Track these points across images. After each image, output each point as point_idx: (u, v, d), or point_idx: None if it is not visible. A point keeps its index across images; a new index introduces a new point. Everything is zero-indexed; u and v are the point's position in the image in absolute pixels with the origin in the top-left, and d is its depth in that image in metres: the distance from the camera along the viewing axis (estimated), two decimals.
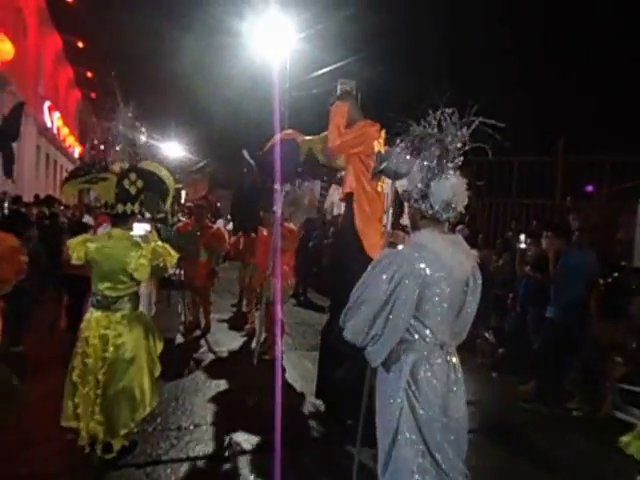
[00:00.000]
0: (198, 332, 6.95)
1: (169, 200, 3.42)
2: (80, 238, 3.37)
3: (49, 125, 21.44)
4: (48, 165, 23.61)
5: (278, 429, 3.66)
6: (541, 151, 10.11)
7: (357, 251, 3.91)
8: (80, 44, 22.63)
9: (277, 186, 5.28)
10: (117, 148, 3.22)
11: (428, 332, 2.21)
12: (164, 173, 3.45)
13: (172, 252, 3.37)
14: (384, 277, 2.16)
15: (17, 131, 3.45)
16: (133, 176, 3.28)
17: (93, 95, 29.70)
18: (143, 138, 3.33)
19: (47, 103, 21.23)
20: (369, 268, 2.27)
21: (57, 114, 22.89)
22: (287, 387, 5.17)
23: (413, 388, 2.20)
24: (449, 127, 2.19)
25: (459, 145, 2.21)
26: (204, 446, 3.77)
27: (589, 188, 9.13)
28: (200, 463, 3.54)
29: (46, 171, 23.08)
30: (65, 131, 24.74)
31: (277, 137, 5.06)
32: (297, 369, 5.78)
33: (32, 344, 5.67)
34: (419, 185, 2.24)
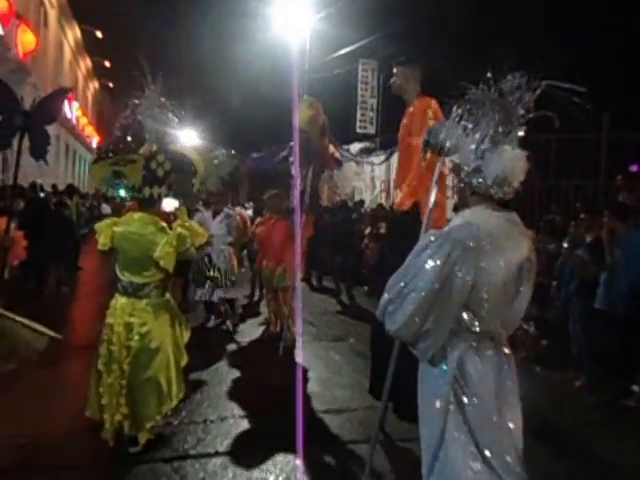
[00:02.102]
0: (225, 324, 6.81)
1: (197, 185, 3.26)
2: (108, 221, 3.24)
3: (68, 115, 21.52)
4: (68, 155, 23.77)
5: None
6: (582, 128, 9.47)
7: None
8: (99, 34, 22.63)
9: (295, 172, 5.10)
10: (145, 132, 3.05)
11: (477, 321, 1.98)
12: (195, 157, 3.29)
13: (200, 230, 3.21)
14: (434, 263, 1.89)
15: (55, 115, 3.29)
16: (161, 158, 3.12)
17: (111, 85, 29.81)
18: (172, 116, 3.15)
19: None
20: (412, 253, 2.02)
21: (76, 104, 22.99)
22: (313, 380, 5.01)
23: (461, 382, 1.98)
24: (512, 91, 1.92)
25: (522, 112, 1.94)
26: (232, 440, 3.62)
27: (634, 168, 8.52)
28: (228, 458, 3.39)
29: (65, 161, 23.24)
30: (84, 121, 24.85)
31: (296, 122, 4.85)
32: (323, 360, 5.61)
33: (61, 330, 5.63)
34: (471, 157, 1.98)
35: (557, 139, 9.33)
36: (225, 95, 21.85)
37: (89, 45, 24.98)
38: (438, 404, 2.02)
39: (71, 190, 11.95)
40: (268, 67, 15.84)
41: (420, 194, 3.47)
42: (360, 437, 3.79)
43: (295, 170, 5.00)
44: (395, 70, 3.79)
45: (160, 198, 3.18)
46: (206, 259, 6.25)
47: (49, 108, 3.26)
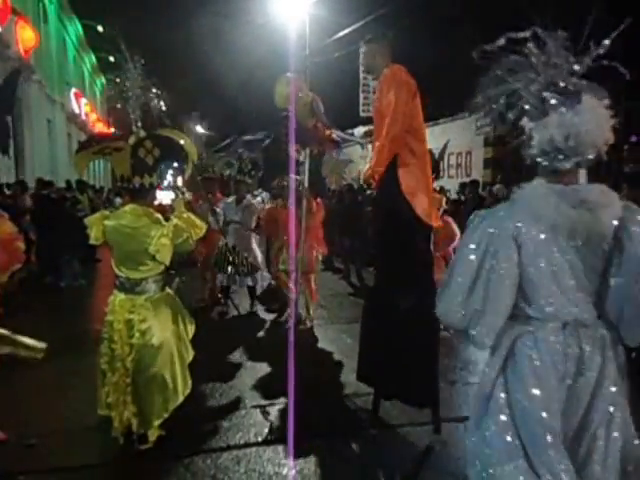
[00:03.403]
0: (234, 311, 6.64)
1: (189, 170, 3.02)
2: (98, 215, 3.02)
3: (77, 111, 21.33)
4: None
5: (291, 418, 3.29)
6: None
7: (408, 220, 3.26)
8: (100, 28, 22.28)
9: (292, 152, 4.86)
10: (131, 112, 2.80)
11: (535, 305, 1.71)
12: (185, 141, 3.04)
13: (198, 222, 2.99)
14: (471, 245, 1.74)
15: (12, 103, 3.04)
16: (149, 144, 2.88)
17: (118, 80, 29.50)
18: (156, 101, 2.90)
19: (73, 90, 21.07)
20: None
21: (84, 100, 22.77)
22: (327, 365, 4.83)
23: (509, 370, 1.76)
24: (556, 53, 1.64)
25: (576, 67, 1.63)
26: (244, 433, 3.45)
27: (633, 138, 8.24)
28: (241, 452, 3.22)
29: None
30: (93, 117, 24.61)
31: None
32: (335, 344, 5.42)
33: (69, 328, 5.51)
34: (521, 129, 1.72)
35: None
36: (222, 80, 21.44)
37: (92, 40, 24.64)
38: (486, 383, 1.81)
39: (82, 185, 11.80)
40: (266, 52, 15.46)
41: (396, 159, 3.26)
42: (375, 423, 3.61)
43: (290, 154, 4.75)
44: (363, 50, 3.61)
45: (152, 188, 2.95)
46: (229, 244, 6.16)
47: (5, 97, 3.02)
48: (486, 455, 1.75)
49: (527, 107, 1.67)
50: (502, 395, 1.76)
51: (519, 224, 1.68)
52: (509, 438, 1.71)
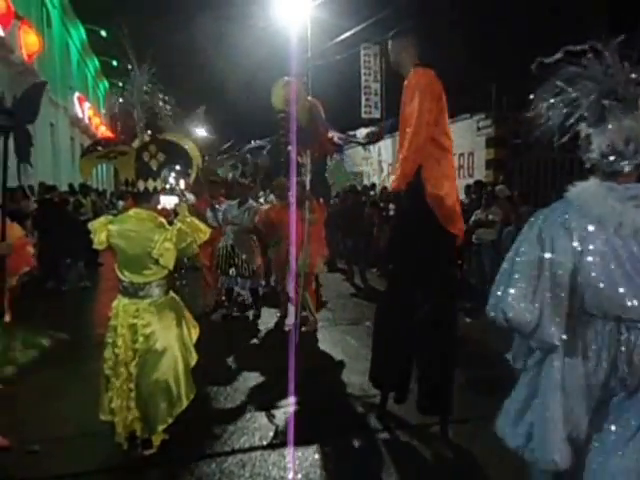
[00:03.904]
0: (236, 313, 6.60)
1: (193, 175, 2.99)
2: (102, 219, 2.99)
3: (80, 116, 21.34)
4: None
5: (290, 420, 3.24)
6: None
7: (432, 227, 3.17)
8: (103, 33, 22.29)
9: (293, 153, 4.85)
10: (134, 117, 2.77)
11: (589, 301, 1.74)
12: (190, 145, 3.00)
13: (202, 227, 2.95)
14: (529, 242, 1.80)
15: (35, 112, 3.02)
16: (153, 148, 2.84)
17: (120, 84, 29.54)
18: (162, 104, 2.86)
19: (76, 94, 21.08)
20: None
21: (87, 104, 22.78)
22: (331, 367, 4.80)
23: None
24: (614, 63, 1.74)
25: (633, 76, 1.73)
26: (249, 437, 3.40)
27: None
28: (246, 456, 3.17)
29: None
30: (96, 121, 24.62)
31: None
32: (339, 346, 5.38)
33: (71, 333, 5.47)
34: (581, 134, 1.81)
35: None
36: (224, 83, 21.45)
37: (95, 45, 24.65)
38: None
39: (85, 189, 11.79)
40: (268, 55, 15.44)
41: (422, 171, 3.16)
42: (381, 425, 3.57)
43: (291, 157, 4.73)
44: (389, 46, 3.47)
45: (156, 192, 2.92)
46: (229, 247, 6.12)
47: (29, 105, 3.00)
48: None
49: (586, 114, 1.76)
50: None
51: (568, 216, 1.74)
52: None
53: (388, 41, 3.46)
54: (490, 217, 7.25)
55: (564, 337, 1.77)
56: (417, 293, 3.39)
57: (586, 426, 1.79)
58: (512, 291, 1.76)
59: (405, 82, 3.31)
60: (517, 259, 1.81)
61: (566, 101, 1.80)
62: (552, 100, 1.84)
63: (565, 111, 1.80)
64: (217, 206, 6.35)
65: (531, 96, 1.89)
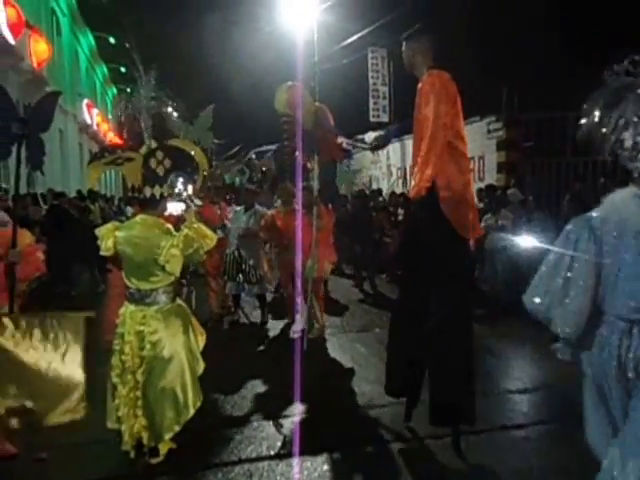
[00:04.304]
0: (245, 320, 6.60)
1: (199, 181, 3.00)
2: (109, 226, 3.01)
3: (89, 122, 21.56)
4: None
5: (299, 429, 3.20)
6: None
7: (445, 231, 3.15)
8: (112, 40, 22.55)
9: (300, 158, 4.85)
10: (142, 123, 2.79)
11: (607, 301, 1.87)
12: (196, 151, 3.02)
13: (209, 233, 2.96)
14: (558, 240, 1.98)
15: (48, 121, 3.06)
16: (160, 154, 2.87)
17: (129, 90, 29.85)
18: (170, 110, 2.89)
19: (85, 100, 21.32)
20: None
21: (96, 111, 23.01)
22: (340, 375, 4.77)
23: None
24: None
25: None
26: (256, 446, 3.39)
27: None
28: (253, 466, 3.16)
29: None
30: (104, 127, 24.87)
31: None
32: (348, 353, 5.35)
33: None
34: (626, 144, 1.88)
35: (575, 116, 8.89)
36: (230, 88, 21.54)
37: (104, 52, 24.93)
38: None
39: (93, 195, 11.91)
40: (275, 59, 15.52)
41: (436, 176, 3.11)
42: (391, 436, 3.53)
43: (297, 162, 4.74)
44: (403, 48, 3.44)
45: (163, 198, 2.93)
46: (236, 253, 6.14)
47: (42, 115, 3.05)
48: None
49: (635, 120, 1.83)
50: None
51: (597, 219, 1.87)
52: None
53: (402, 43, 3.43)
54: (501, 222, 7.17)
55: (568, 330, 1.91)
56: (430, 300, 3.35)
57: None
58: (533, 281, 1.99)
59: (419, 85, 3.28)
60: (548, 257, 1.97)
61: (619, 107, 1.88)
62: (607, 105, 1.91)
63: (617, 119, 1.87)
64: (226, 222, 6.36)
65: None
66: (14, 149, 2.99)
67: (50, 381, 2.77)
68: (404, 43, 3.41)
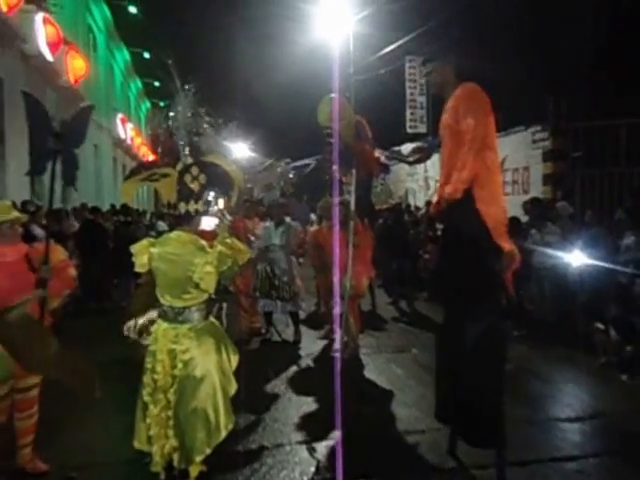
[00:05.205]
0: (277, 338, 6.63)
1: (234, 197, 3.06)
2: (144, 242, 3.08)
3: (123, 136, 22.31)
4: (124, 175, 24.62)
5: (333, 455, 3.14)
6: None
7: (487, 244, 3.20)
8: (146, 55, 23.40)
9: (337, 172, 4.89)
10: (179, 139, 2.88)
11: None
12: (232, 168, 3.08)
13: (243, 247, 3.00)
14: None
15: (83, 136, 3.21)
16: (195, 170, 2.94)
17: (162, 104, 30.77)
18: (205, 126, 2.97)
19: (119, 115, 22.10)
20: None
21: (130, 125, 23.81)
22: (376, 397, 4.71)
23: None
24: None
25: None
26: (289, 471, 3.38)
27: None
28: None
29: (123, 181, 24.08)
30: (138, 141, 25.70)
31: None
32: (384, 375, 5.29)
33: (110, 355, 5.62)
34: None
35: (627, 124, 8.64)
36: (263, 101, 21.93)
37: (138, 66, 25.91)
38: None
39: (126, 210, 12.25)
40: (310, 71, 15.74)
41: (472, 182, 3.21)
42: (432, 464, 3.46)
43: (334, 176, 4.78)
44: (427, 70, 3.62)
45: (198, 214, 3.00)
46: (268, 269, 6.19)
47: (76, 130, 3.18)
48: None
49: None
50: None
51: None
52: None
53: (427, 65, 3.59)
54: (547, 238, 6.98)
55: None
56: (467, 317, 3.32)
57: None
58: None
59: (449, 102, 3.39)
60: None
61: None
62: None
63: None
64: (252, 238, 6.44)
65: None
66: (49, 164, 3.13)
67: None
68: (429, 65, 3.56)
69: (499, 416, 3.20)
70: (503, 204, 3.35)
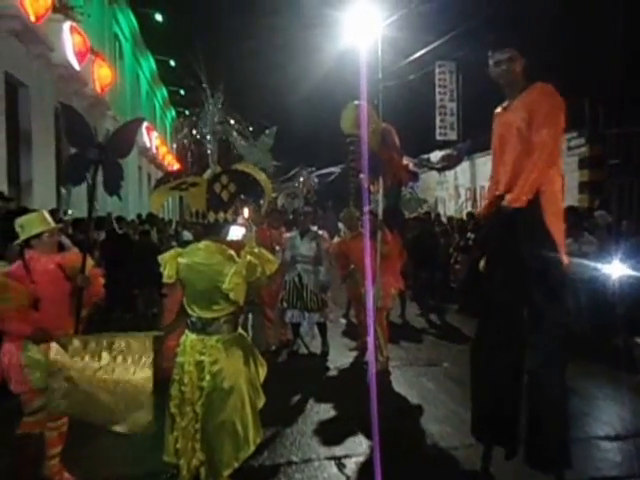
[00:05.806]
0: (304, 350, 6.63)
1: (265, 206, 3.09)
2: (172, 252, 3.12)
3: (148, 145, 22.75)
4: (150, 184, 25.07)
5: (363, 471, 3.11)
6: None
7: (555, 258, 3.19)
8: (172, 63, 23.88)
9: (365, 181, 4.90)
10: (209, 148, 2.93)
11: None
12: (262, 177, 3.11)
13: (271, 257, 3.02)
14: None
15: (129, 147, 3.33)
16: (225, 179, 2.97)
17: (187, 112, 31.34)
18: (235, 134, 3.01)
19: (145, 124, 22.55)
20: None
21: (155, 134, 24.27)
22: (406, 411, 4.67)
23: None
24: None
25: None
26: None
27: None
28: None
29: (149, 190, 24.54)
30: (163, 150, 26.16)
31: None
32: (415, 389, 5.24)
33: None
34: None
35: None
36: (290, 109, 22.11)
37: (164, 75, 26.46)
38: None
39: (152, 219, 12.48)
40: (338, 78, 15.83)
41: (540, 187, 3.17)
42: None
43: (362, 185, 4.80)
44: (495, 55, 3.30)
45: (227, 223, 3.03)
46: (296, 279, 6.21)
47: (123, 141, 3.29)
48: None
49: None
50: None
51: None
52: None
53: (498, 49, 3.31)
54: (584, 248, 6.83)
55: None
56: (522, 327, 3.31)
57: None
58: None
59: (516, 101, 3.28)
60: None
61: None
62: None
63: None
64: (277, 247, 6.48)
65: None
66: (88, 175, 3.24)
67: (119, 400, 2.92)
68: (504, 50, 3.27)
69: (568, 435, 3.17)
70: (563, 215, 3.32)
